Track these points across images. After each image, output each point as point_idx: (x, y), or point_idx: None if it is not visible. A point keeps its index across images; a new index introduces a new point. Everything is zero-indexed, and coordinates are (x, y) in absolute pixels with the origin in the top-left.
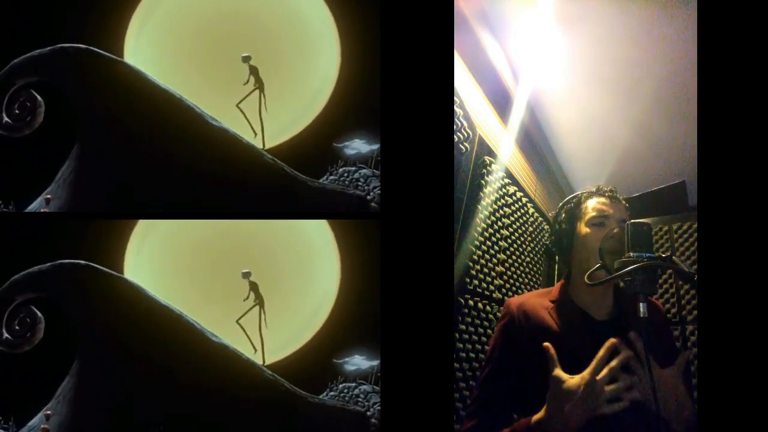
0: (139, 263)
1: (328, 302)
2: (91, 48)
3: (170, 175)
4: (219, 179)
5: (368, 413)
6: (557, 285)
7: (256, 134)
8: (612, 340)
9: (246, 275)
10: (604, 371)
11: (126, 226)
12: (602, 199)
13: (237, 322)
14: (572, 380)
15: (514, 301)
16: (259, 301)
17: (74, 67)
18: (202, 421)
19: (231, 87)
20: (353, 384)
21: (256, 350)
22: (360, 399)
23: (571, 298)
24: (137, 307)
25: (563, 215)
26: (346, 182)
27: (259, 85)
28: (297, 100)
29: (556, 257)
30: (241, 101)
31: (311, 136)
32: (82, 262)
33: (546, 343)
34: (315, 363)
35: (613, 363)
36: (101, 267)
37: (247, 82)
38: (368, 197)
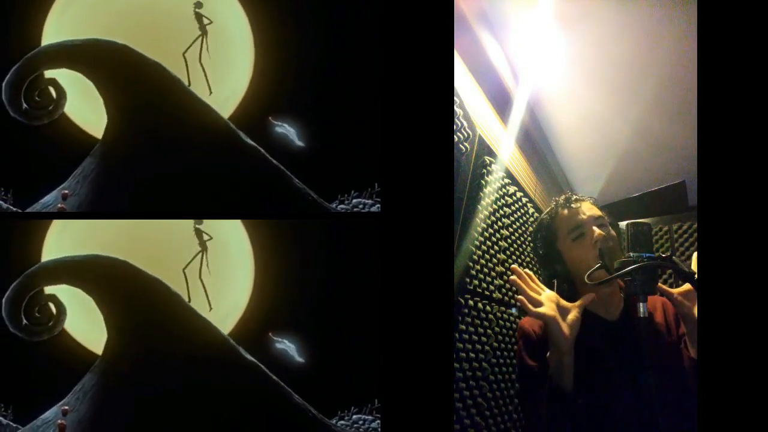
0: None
1: (238, 310)
2: (128, 45)
3: (194, 183)
4: (244, 198)
5: None
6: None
7: (211, 92)
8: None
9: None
10: None
11: (42, 225)
12: (566, 212)
13: (183, 270)
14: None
15: (527, 320)
16: (203, 248)
17: (107, 62)
18: None
19: None
20: (370, 417)
21: (211, 308)
22: None
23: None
24: (172, 312)
25: (540, 245)
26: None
27: (203, 32)
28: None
29: (555, 281)
30: (186, 50)
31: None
32: (119, 258)
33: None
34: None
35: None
36: (137, 266)
37: (201, 27)
38: None
